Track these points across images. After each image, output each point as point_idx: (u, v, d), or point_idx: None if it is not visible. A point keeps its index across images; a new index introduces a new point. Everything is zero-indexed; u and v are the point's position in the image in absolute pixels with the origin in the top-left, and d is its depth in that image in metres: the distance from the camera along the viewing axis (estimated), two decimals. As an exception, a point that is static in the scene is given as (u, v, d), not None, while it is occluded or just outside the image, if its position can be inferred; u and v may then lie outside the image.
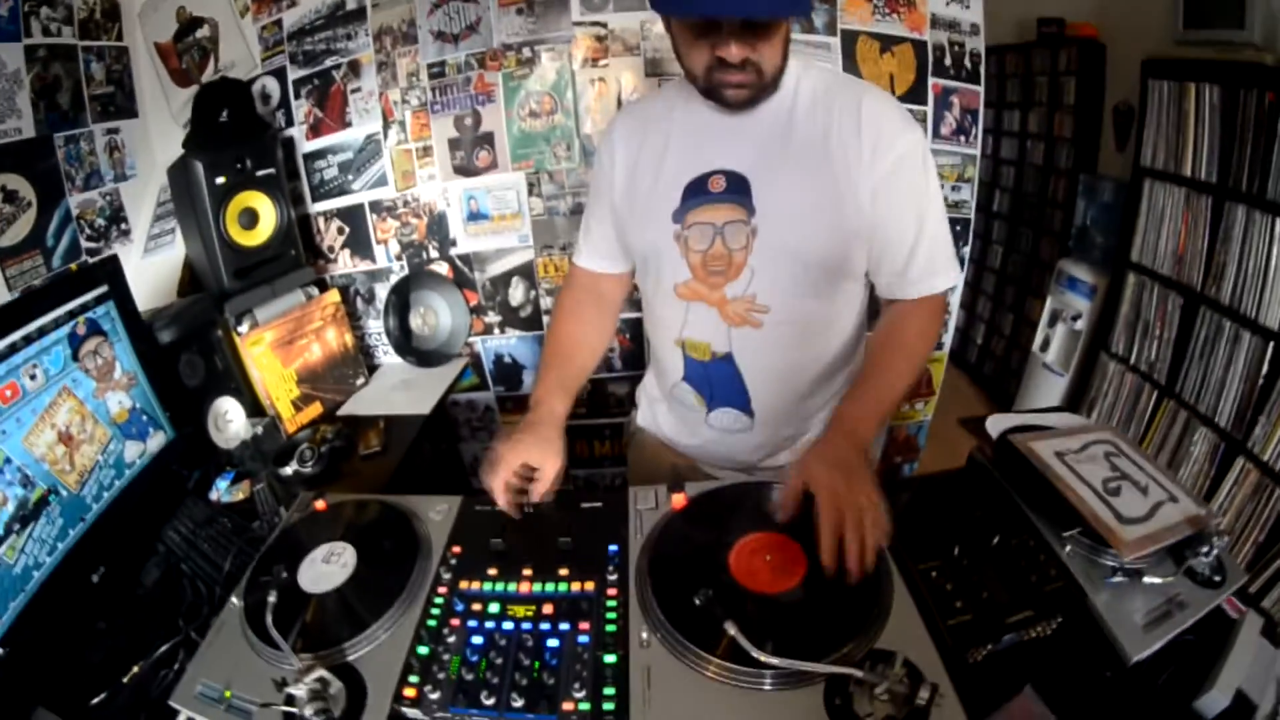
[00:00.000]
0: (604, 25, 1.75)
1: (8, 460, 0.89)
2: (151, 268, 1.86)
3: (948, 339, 2.11)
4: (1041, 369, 2.62)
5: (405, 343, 2.00)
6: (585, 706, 0.64)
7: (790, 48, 0.90)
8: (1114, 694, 0.71)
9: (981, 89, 1.86)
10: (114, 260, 1.17)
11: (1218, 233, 1.82)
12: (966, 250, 2.00)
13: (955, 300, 2.09)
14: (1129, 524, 0.77)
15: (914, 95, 1.82)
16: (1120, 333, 2.20)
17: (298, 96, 1.89)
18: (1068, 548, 0.79)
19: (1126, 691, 0.71)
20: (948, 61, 1.82)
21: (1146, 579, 0.75)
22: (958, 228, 1.95)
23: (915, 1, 1.77)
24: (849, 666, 0.61)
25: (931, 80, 1.82)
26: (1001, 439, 0.94)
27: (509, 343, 2.09)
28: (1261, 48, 1.70)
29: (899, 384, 0.97)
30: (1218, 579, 0.77)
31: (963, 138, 1.89)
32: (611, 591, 0.77)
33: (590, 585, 0.78)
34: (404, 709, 0.66)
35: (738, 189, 0.94)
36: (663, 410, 1.20)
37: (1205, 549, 0.75)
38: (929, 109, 1.84)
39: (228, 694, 0.68)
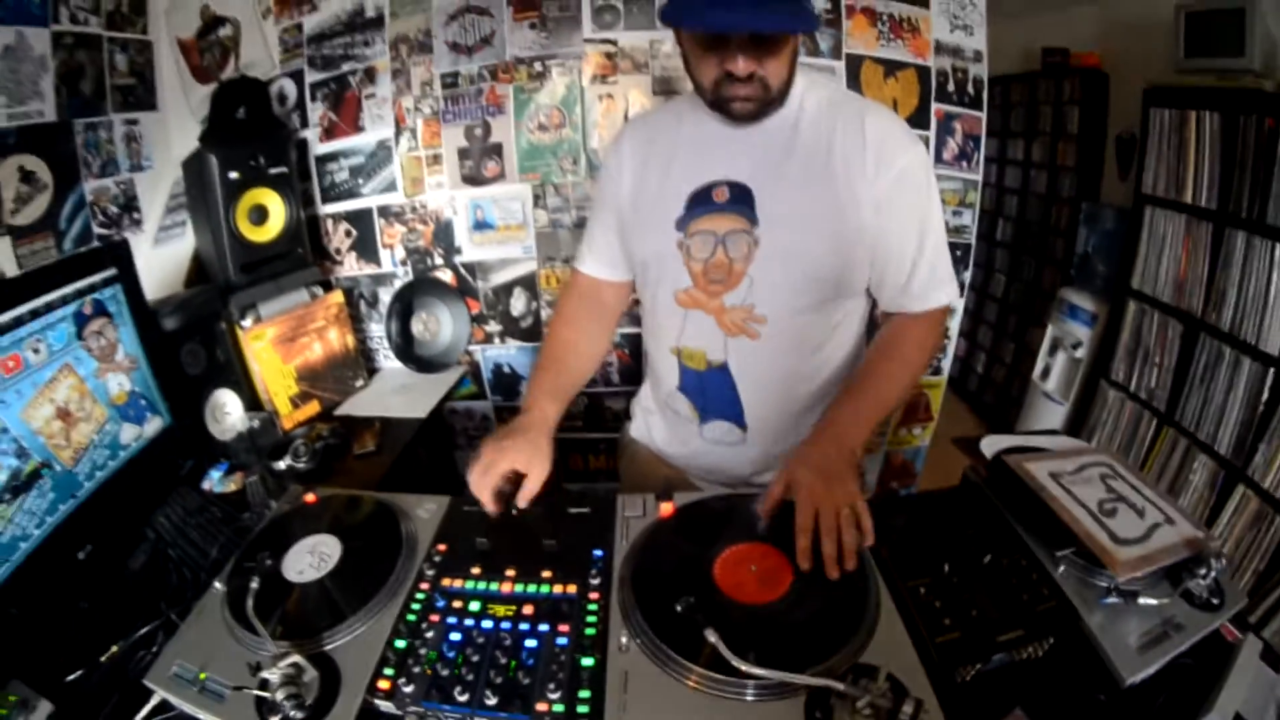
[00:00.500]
0: (614, 43, 1.78)
1: (4, 430, 0.90)
2: (161, 258, 1.88)
3: (947, 364, 2.10)
4: (1041, 397, 2.62)
5: (406, 348, 2.00)
6: (559, 708, 0.63)
7: (797, 65, 0.91)
8: (1108, 718, 0.70)
9: (984, 115, 1.88)
10: (124, 245, 1.18)
11: (1218, 259, 1.82)
12: (967, 275, 2.00)
13: (955, 328, 2.08)
14: (1124, 545, 0.76)
15: (917, 120, 1.84)
16: (1120, 360, 2.20)
17: (313, 99, 1.93)
18: (1061, 568, 0.78)
19: (1121, 715, 0.70)
20: (951, 87, 1.85)
21: (1142, 600, 0.74)
22: (958, 253, 1.95)
23: (920, 28, 1.80)
24: (831, 679, 0.60)
25: (934, 105, 1.84)
26: (996, 459, 0.93)
27: (509, 353, 2.10)
28: (1261, 75, 1.72)
29: (892, 393, 0.97)
30: (1216, 602, 0.75)
31: (965, 163, 1.90)
32: (593, 595, 0.76)
33: (572, 588, 0.77)
34: (377, 700, 0.65)
35: (741, 199, 0.95)
36: (656, 421, 1.20)
37: (1203, 571, 0.74)
38: (931, 134, 1.86)
39: (202, 676, 0.68)
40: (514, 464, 0.91)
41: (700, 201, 0.97)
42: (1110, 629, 0.72)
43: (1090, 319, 2.40)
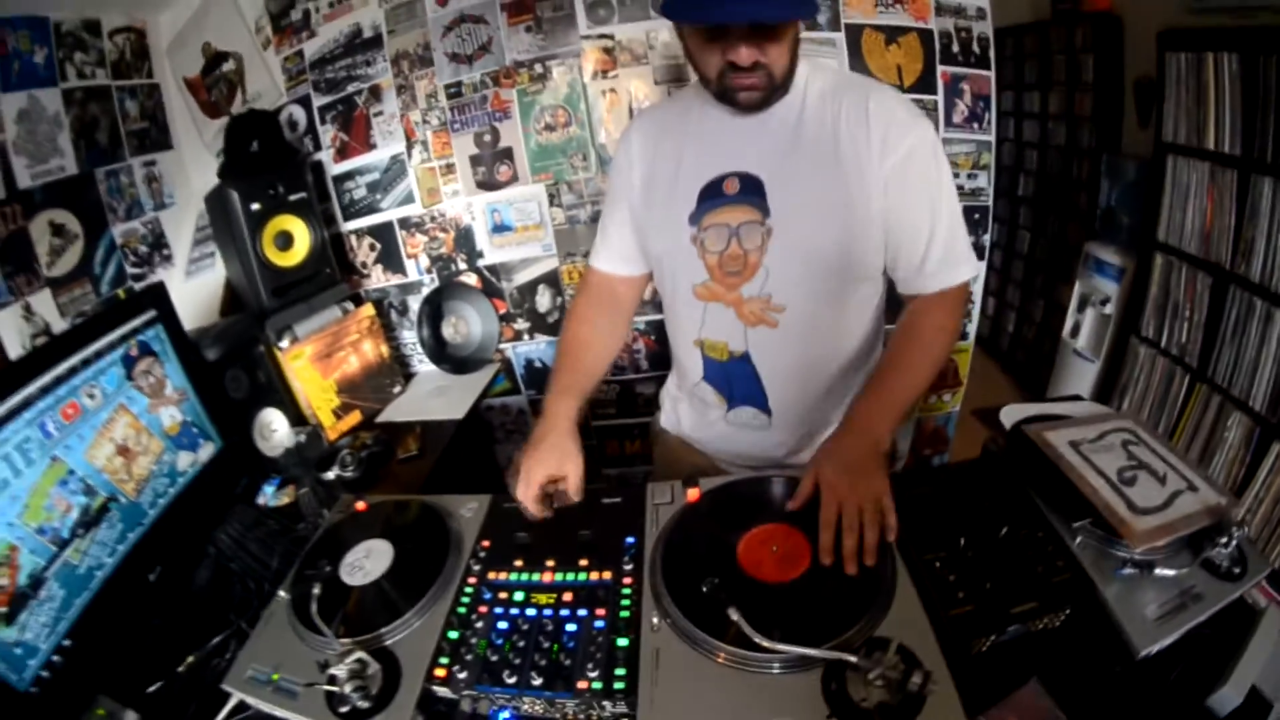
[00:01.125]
0: (611, 37, 1.79)
1: (71, 472, 0.98)
2: (194, 289, 1.97)
3: (973, 328, 2.09)
4: (1072, 355, 2.57)
5: (439, 351, 2.07)
6: (598, 685, 0.69)
7: (799, 50, 0.92)
8: (1123, 688, 0.71)
9: (992, 74, 1.84)
10: (161, 286, 1.25)
11: (1245, 208, 1.75)
12: (987, 238, 1.98)
13: (979, 289, 2.07)
14: (1143, 514, 0.76)
15: (923, 85, 1.81)
16: (1150, 315, 2.15)
17: (323, 122, 1.98)
18: (1078, 539, 0.78)
19: (1136, 686, 0.71)
20: (955, 48, 1.81)
21: (1159, 571, 0.73)
22: (976, 215, 1.93)
23: None
24: (845, 653, 0.64)
25: (940, 69, 1.81)
26: (1015, 429, 0.94)
27: (538, 348, 2.16)
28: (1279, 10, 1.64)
29: (916, 381, 0.97)
30: (1237, 571, 0.75)
31: (976, 124, 1.87)
32: (627, 580, 0.81)
33: (608, 574, 0.83)
34: (434, 687, 0.72)
35: (752, 190, 0.96)
36: (684, 409, 1.23)
37: (1224, 540, 0.73)
38: (939, 98, 1.83)
39: (275, 677, 0.75)
40: (548, 472, 0.96)
41: (711, 194, 0.98)
42: (1126, 600, 0.72)
43: (1117, 274, 2.35)
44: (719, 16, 0.81)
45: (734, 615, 0.67)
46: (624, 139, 1.11)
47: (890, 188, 0.93)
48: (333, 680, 0.69)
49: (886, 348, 1.04)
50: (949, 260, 0.98)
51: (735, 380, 1.09)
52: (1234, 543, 0.74)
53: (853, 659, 0.63)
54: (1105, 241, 2.47)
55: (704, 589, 0.73)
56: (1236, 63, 1.73)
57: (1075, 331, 2.57)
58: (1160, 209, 2.06)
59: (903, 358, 0.99)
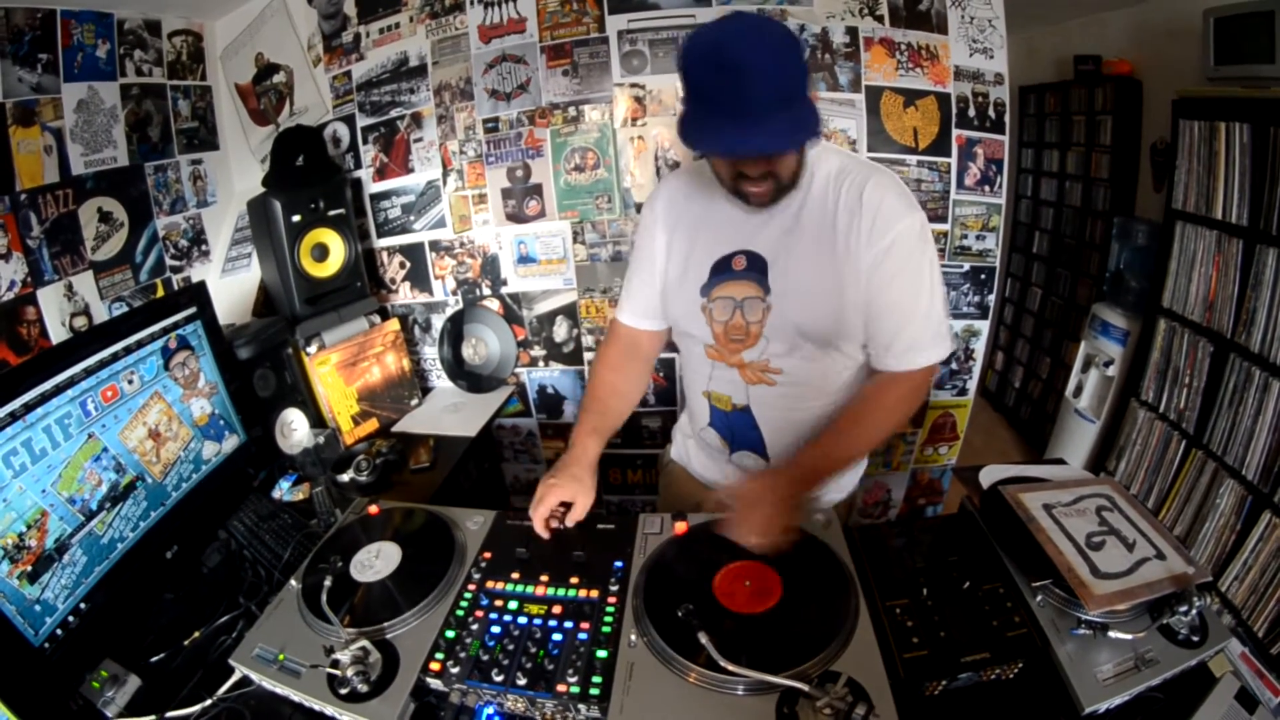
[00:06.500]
0: (642, 87, 1.88)
1: (105, 449, 1.06)
2: (229, 286, 2.05)
3: (973, 384, 2.12)
4: (1074, 415, 2.59)
5: (457, 369, 2.16)
6: (575, 690, 0.76)
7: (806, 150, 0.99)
8: None
9: (1006, 138, 1.90)
10: (203, 286, 1.33)
11: (1248, 278, 1.78)
12: (992, 297, 2.02)
13: (983, 345, 2.10)
14: (1104, 579, 0.79)
15: (937, 148, 1.88)
16: (1150, 380, 2.17)
17: (365, 142, 2.08)
18: (1039, 597, 0.82)
19: None
20: (971, 113, 1.87)
21: (1114, 633, 0.77)
22: (982, 276, 1.99)
23: (939, 55, 1.83)
24: (799, 681, 0.70)
25: (955, 132, 1.87)
26: (991, 489, 0.99)
27: (552, 375, 2.23)
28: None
29: (856, 450, 1.08)
30: (1196, 639, 0.78)
31: (987, 187, 1.92)
32: (611, 600, 0.88)
33: (595, 593, 0.90)
34: (428, 679, 0.79)
35: (757, 268, 1.05)
36: (693, 447, 1.32)
37: (1184, 608, 0.76)
38: (953, 160, 1.89)
39: (281, 656, 0.82)
40: (562, 498, 1.05)
41: (722, 269, 1.07)
42: (1079, 659, 0.76)
43: (1122, 336, 2.38)
44: (731, 150, 0.90)
45: (703, 639, 0.74)
46: (651, 201, 1.19)
47: (872, 272, 0.99)
48: (336, 664, 0.75)
49: (846, 407, 1.09)
50: (915, 346, 1.03)
51: (737, 428, 1.17)
52: (1194, 611, 0.77)
53: (805, 687, 0.68)
54: (1113, 303, 2.51)
55: (679, 613, 0.80)
56: (1248, 133, 1.75)
57: (1078, 391, 2.59)
58: (1166, 275, 2.08)
59: (851, 427, 1.05)
